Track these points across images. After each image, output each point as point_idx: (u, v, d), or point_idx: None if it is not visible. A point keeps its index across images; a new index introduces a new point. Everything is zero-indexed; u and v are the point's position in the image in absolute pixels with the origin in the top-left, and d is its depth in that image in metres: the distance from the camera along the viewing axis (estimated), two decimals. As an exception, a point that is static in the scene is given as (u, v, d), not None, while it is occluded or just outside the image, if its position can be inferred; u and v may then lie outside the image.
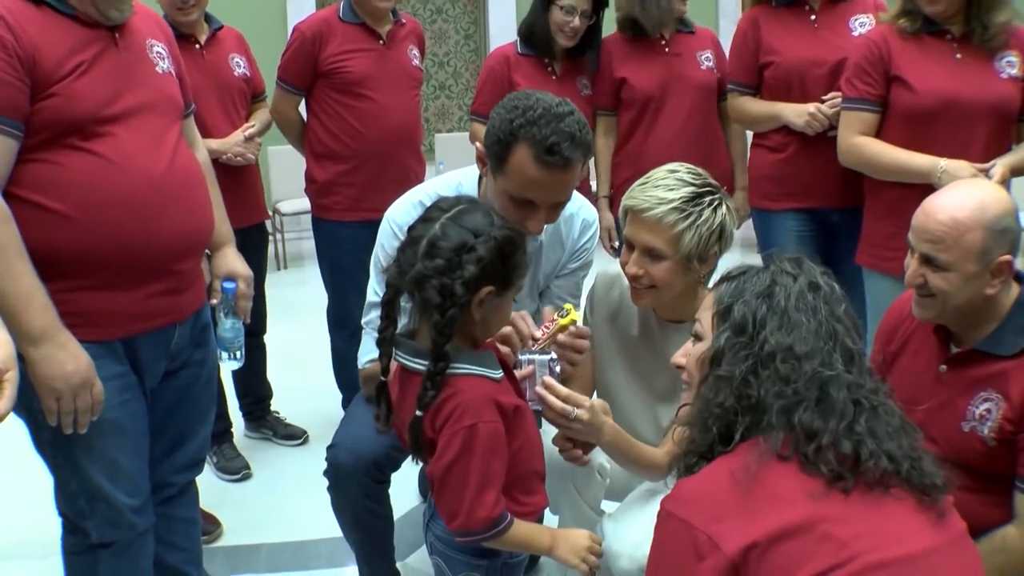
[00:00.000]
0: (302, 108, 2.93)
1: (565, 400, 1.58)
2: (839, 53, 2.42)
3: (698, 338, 1.30)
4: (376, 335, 1.49)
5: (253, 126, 2.76)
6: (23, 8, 1.47)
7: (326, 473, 1.87)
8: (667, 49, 2.82)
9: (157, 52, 1.69)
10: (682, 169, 1.75)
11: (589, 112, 2.85)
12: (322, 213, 2.89)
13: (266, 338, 3.09)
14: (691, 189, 1.70)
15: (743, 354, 1.17)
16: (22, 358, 1.44)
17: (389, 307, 1.45)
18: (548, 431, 1.71)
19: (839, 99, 2.38)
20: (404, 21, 2.90)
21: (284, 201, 5.53)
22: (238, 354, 1.99)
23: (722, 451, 1.16)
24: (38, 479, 1.72)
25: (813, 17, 2.52)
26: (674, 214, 1.67)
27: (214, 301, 1.90)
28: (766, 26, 2.54)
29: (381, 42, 2.79)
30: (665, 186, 1.71)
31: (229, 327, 1.94)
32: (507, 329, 1.65)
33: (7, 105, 1.44)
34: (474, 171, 1.88)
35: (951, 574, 1.09)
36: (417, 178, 2.77)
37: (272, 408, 3.15)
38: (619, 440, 1.67)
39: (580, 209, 1.96)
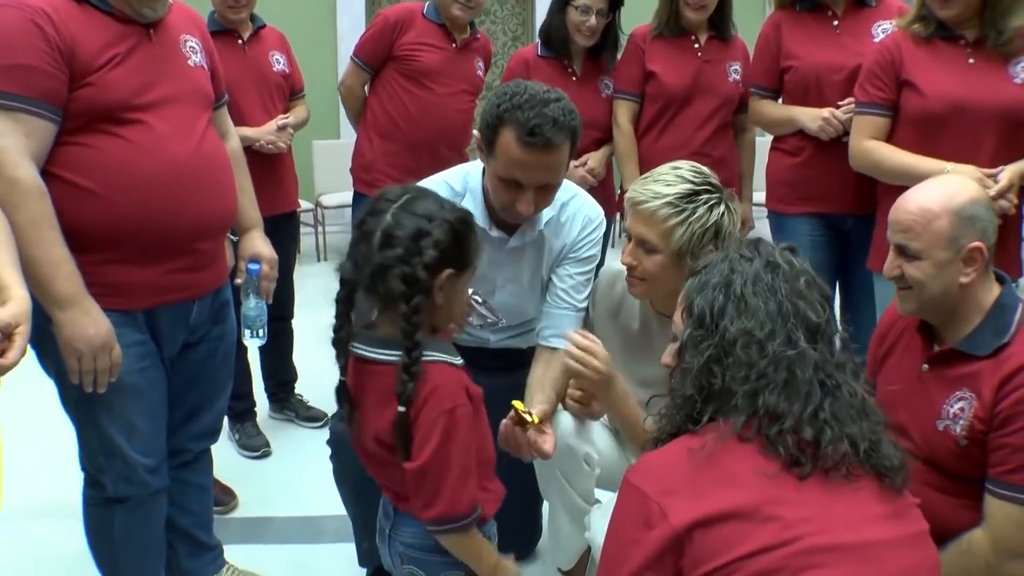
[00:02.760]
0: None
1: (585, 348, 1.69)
2: (858, 59, 2.43)
3: (675, 338, 1.35)
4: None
5: (287, 117, 2.91)
6: (66, 6, 1.61)
7: (328, 442, 1.97)
8: (700, 54, 2.85)
9: (190, 47, 1.81)
10: (685, 167, 1.80)
11: (608, 111, 2.91)
12: (364, 188, 3.06)
13: (298, 324, 3.21)
14: (688, 186, 1.75)
15: (704, 345, 1.22)
16: (51, 321, 1.58)
17: (345, 305, 1.45)
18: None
19: (854, 105, 2.40)
20: (479, 36, 3.12)
21: (327, 194, 5.68)
22: (260, 332, 2.08)
23: (690, 431, 1.21)
24: (67, 447, 1.86)
25: (836, 23, 2.54)
26: (667, 208, 1.73)
27: (239, 281, 2.02)
28: (788, 31, 2.57)
29: (454, 45, 3.00)
30: (664, 181, 1.77)
31: (253, 306, 2.04)
32: None
33: (48, 93, 1.57)
34: (479, 163, 1.98)
35: (898, 566, 1.11)
36: None
37: (296, 391, 3.27)
38: (624, 401, 1.76)
39: (584, 205, 2.02)
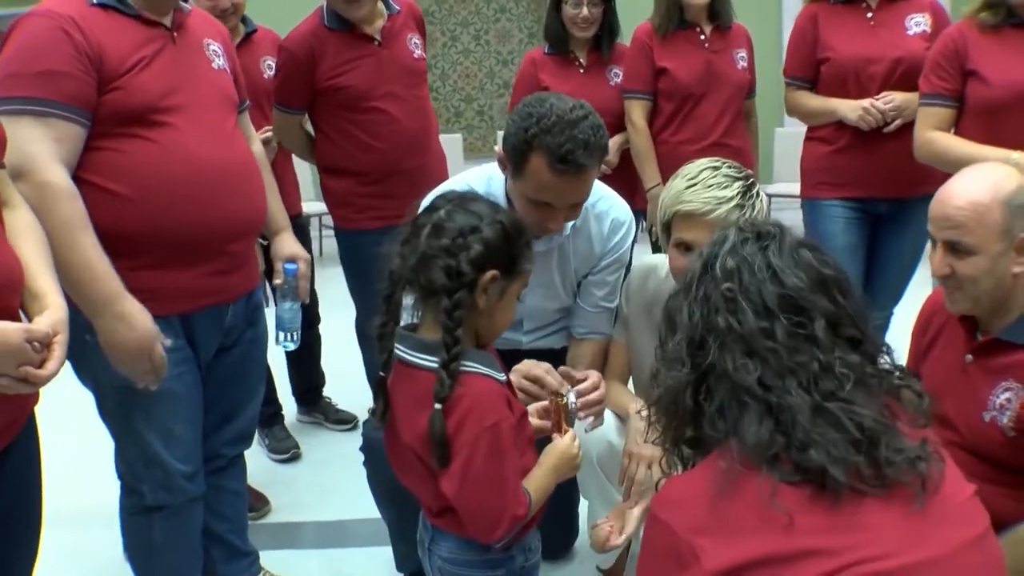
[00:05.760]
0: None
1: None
2: (894, 51, 2.50)
3: None
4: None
5: (269, 131, 2.65)
6: (93, 13, 1.61)
7: (361, 448, 1.95)
8: (706, 45, 2.85)
9: (213, 50, 1.81)
10: (722, 165, 1.80)
11: (618, 99, 2.89)
12: (344, 223, 2.74)
13: (324, 328, 3.19)
14: (741, 183, 1.75)
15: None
16: (88, 330, 1.57)
17: (390, 301, 1.41)
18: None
19: (892, 97, 2.46)
20: (399, 8, 2.63)
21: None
22: (294, 335, 2.03)
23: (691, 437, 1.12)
24: (106, 454, 1.85)
25: (869, 15, 2.59)
26: (736, 211, 1.72)
27: (278, 281, 1.99)
28: (824, 22, 2.61)
29: (376, 43, 2.56)
30: (718, 185, 1.74)
31: (288, 308, 1.99)
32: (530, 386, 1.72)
33: (78, 97, 1.57)
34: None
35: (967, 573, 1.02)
36: (438, 174, 2.64)
37: (324, 394, 3.26)
38: None
39: (612, 207, 1.99)
